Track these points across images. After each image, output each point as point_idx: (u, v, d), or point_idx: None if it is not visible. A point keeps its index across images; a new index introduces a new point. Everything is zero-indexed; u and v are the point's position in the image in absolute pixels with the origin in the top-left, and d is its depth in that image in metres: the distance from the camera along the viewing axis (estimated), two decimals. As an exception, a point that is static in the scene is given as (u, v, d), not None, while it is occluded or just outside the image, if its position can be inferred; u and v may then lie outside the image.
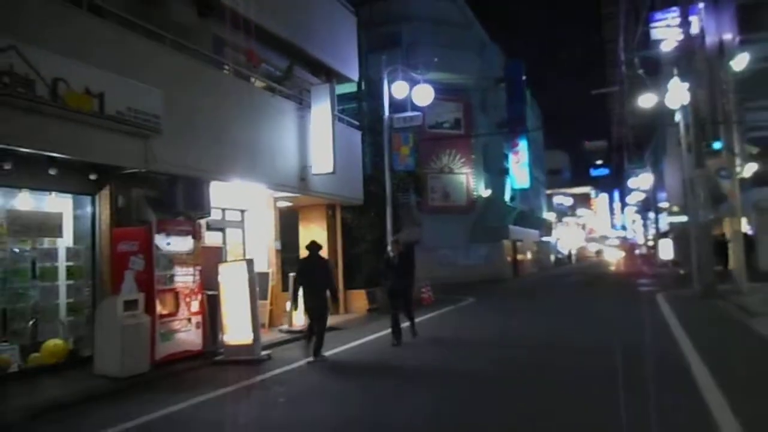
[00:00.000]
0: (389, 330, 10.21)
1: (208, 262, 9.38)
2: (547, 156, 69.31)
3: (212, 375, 8.18)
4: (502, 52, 37.24)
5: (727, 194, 15.88)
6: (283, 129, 12.09)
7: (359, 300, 15.85)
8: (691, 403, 5.41)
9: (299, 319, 11.64)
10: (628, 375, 6.59)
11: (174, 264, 8.86)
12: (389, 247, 10.40)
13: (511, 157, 35.83)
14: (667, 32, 19.39)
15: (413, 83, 16.92)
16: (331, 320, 11.16)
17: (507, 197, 35.51)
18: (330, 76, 14.88)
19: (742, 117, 16.63)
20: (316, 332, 8.91)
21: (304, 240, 15.91)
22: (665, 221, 41.58)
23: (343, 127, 15.05)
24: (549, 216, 54.51)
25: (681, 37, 17.02)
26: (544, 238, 53.29)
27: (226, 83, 10.85)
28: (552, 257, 47.85)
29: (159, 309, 8.50)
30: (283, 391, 6.87)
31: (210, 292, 9.34)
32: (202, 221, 10.26)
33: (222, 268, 9.27)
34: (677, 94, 17.14)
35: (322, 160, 12.83)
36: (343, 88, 23.70)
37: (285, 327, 11.74)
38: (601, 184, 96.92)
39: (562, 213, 62.79)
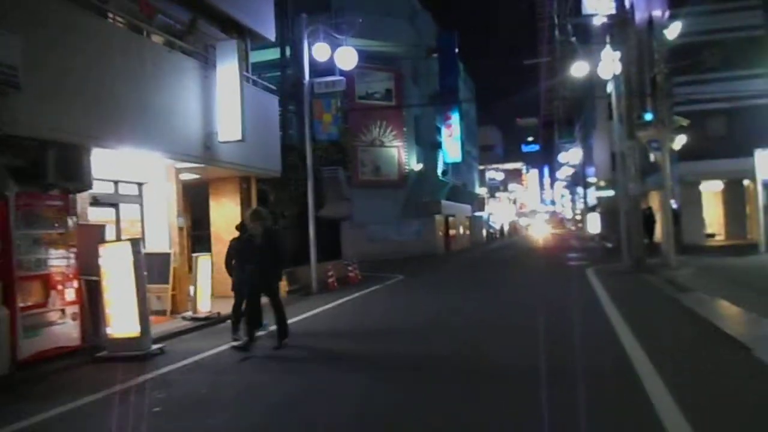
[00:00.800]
0: (307, 314, 9.16)
1: (86, 242, 7.98)
2: (481, 132, 69.58)
3: (85, 375, 6.90)
4: (434, 22, 36.30)
5: (659, 166, 15.62)
6: (184, 90, 10.65)
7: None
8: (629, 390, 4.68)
9: (204, 305, 10.42)
10: (563, 362, 5.85)
11: (42, 245, 7.45)
12: (250, 225, 8.06)
13: (444, 130, 35.17)
14: (598, 5, 18.94)
15: (338, 47, 15.71)
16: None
17: (439, 171, 34.92)
18: (242, 34, 13.43)
19: (670, 90, 16.37)
20: (276, 319, 8.03)
21: (215, 216, 14.62)
22: (593, 196, 42.35)
23: (257, 92, 13.72)
24: (481, 191, 54.65)
25: (612, 11, 16.57)
26: (477, 213, 53.48)
27: (111, 34, 9.30)
28: (484, 232, 47.95)
29: (22, 299, 7.10)
30: (163, 398, 5.71)
31: (89, 278, 7.98)
32: (83, 195, 8.79)
33: (103, 250, 7.90)
34: (609, 63, 16.71)
35: (229, 127, 11.44)
36: (266, 54, 22.17)
37: (189, 314, 10.48)
38: (532, 160, 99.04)
39: (494, 188, 63.24)
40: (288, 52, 21.87)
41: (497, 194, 65.69)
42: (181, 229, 11.50)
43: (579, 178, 47.00)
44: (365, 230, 29.50)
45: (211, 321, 10.19)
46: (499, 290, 13.49)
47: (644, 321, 8.56)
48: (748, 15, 23.58)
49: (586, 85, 40.55)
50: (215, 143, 11.21)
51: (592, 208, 43.82)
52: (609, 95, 17.77)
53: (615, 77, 16.59)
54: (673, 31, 15.22)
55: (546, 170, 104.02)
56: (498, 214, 65.74)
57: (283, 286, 14.54)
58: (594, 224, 43.00)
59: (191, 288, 10.49)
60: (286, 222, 15.27)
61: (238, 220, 9.74)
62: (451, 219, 36.77)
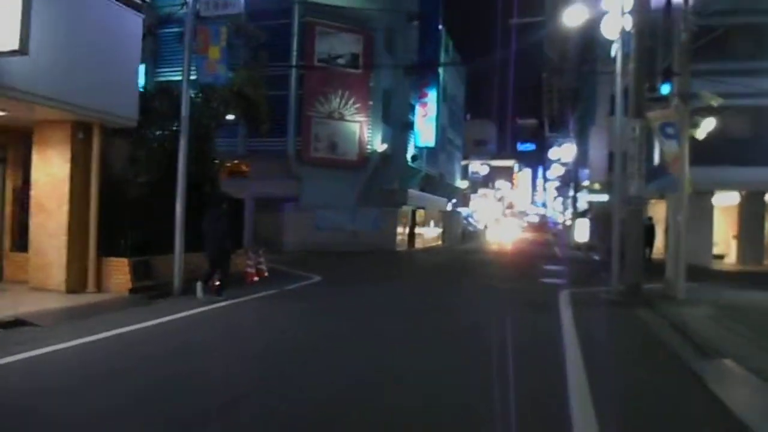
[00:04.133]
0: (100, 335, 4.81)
1: None
2: (475, 126, 65.20)
3: None
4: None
5: (668, 161, 11.21)
6: None
7: (119, 273, 10.19)
8: None
9: None
10: None
11: None
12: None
13: (418, 108, 30.50)
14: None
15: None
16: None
17: (409, 156, 30.38)
18: None
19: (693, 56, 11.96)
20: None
21: (39, 176, 10.20)
22: (585, 200, 38.00)
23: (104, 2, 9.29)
24: (462, 184, 50.16)
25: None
26: (460, 209, 49.04)
27: None
28: (460, 230, 43.54)
29: None
30: None
31: None
32: None
33: None
34: (616, 16, 12.28)
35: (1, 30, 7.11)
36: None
37: None
38: (526, 159, 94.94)
39: (476, 182, 58.83)
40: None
41: (482, 190, 61.32)
42: None
43: (571, 179, 42.62)
44: (312, 215, 25.03)
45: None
46: (422, 320, 9.02)
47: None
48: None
49: (586, 72, 36.11)
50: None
51: (582, 214, 39.43)
52: (612, 63, 13.30)
53: (623, 35, 12.11)
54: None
55: (540, 171, 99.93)
56: (482, 211, 61.35)
57: (126, 281, 10.16)
58: (582, 232, 38.63)
59: None
60: (143, 191, 10.67)
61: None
62: (420, 212, 32.30)
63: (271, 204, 24.50)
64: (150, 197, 10.78)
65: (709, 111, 11.32)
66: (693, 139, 11.32)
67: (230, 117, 14.41)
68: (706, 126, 11.09)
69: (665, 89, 11.29)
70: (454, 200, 45.87)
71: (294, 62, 24.47)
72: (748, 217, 22.28)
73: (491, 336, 7.49)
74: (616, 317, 9.78)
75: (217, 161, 12.99)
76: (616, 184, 11.98)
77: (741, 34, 21.18)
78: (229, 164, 27.43)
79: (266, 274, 13.68)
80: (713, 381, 5.73)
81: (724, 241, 23.22)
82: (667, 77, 11.59)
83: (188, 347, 6.90)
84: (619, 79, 11.78)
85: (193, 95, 11.28)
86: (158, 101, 10.77)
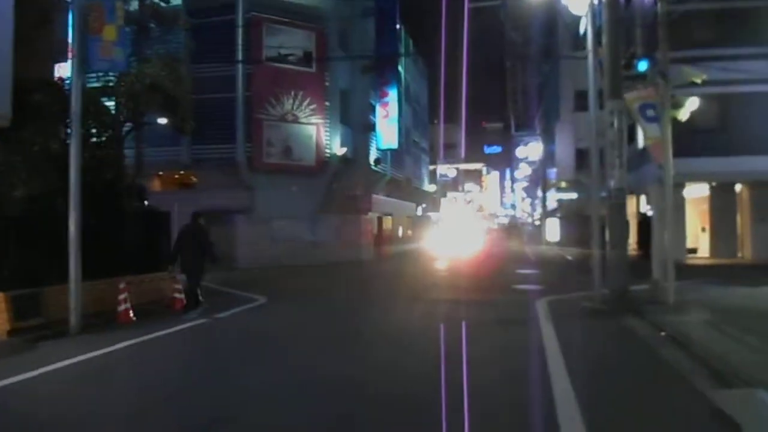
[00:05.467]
0: None
1: None
2: (445, 129, 64.10)
3: None
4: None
5: (648, 146, 9.84)
6: None
7: (-5, 310, 8.25)
8: None
9: None
10: None
11: None
12: None
13: (379, 109, 28.94)
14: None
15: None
16: None
17: (371, 159, 28.79)
18: None
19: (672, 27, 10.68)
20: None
21: None
22: (554, 198, 36.99)
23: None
24: (430, 188, 48.78)
25: None
26: (430, 214, 47.62)
27: None
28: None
29: None
30: None
31: None
32: None
33: None
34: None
35: None
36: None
37: None
38: (494, 162, 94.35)
39: (446, 185, 57.55)
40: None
41: (452, 194, 60.08)
42: None
43: (539, 178, 41.62)
44: (268, 227, 23.19)
45: None
46: (379, 354, 7.37)
47: None
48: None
49: (548, 71, 35.08)
50: None
51: (552, 213, 38.42)
52: (581, 45, 11.94)
53: (592, 7, 10.72)
54: None
55: (507, 173, 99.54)
56: (452, 215, 60.04)
57: (2, 321, 8.24)
58: (553, 231, 37.61)
59: None
60: (21, 207, 8.72)
61: None
62: (387, 218, 30.73)
63: (222, 217, 22.62)
64: (37, 215, 8.86)
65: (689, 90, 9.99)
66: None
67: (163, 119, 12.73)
68: (690, 106, 9.74)
69: (643, 66, 9.95)
70: (423, 205, 44.46)
71: (240, 62, 22.72)
72: (719, 209, 21.32)
73: (456, 377, 5.84)
74: (606, 332, 8.27)
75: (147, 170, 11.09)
76: (594, 174, 10.54)
77: (706, 20, 20.23)
78: (177, 176, 25.65)
79: (201, 298, 11.83)
80: (749, 426, 4.22)
81: (694, 234, 22.26)
82: (647, 54, 10.23)
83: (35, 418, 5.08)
84: (590, 56, 10.37)
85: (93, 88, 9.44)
86: (40, 95, 8.87)
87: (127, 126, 11.84)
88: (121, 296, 9.69)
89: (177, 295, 11.11)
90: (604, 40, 9.86)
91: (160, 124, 13.02)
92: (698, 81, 9.69)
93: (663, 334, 7.61)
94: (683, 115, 9.92)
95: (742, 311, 9.00)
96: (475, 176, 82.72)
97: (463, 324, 8.68)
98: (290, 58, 23.60)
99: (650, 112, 9.89)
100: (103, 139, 10.76)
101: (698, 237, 22.44)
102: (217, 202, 22.39)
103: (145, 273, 11.06)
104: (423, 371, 5.99)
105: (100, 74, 11.11)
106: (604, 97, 10.11)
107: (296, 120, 24.12)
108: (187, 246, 10.25)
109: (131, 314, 9.72)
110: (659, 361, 6.46)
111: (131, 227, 10.94)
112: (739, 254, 20.94)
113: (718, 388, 5.22)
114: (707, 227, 21.83)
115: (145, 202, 13.95)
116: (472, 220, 64.95)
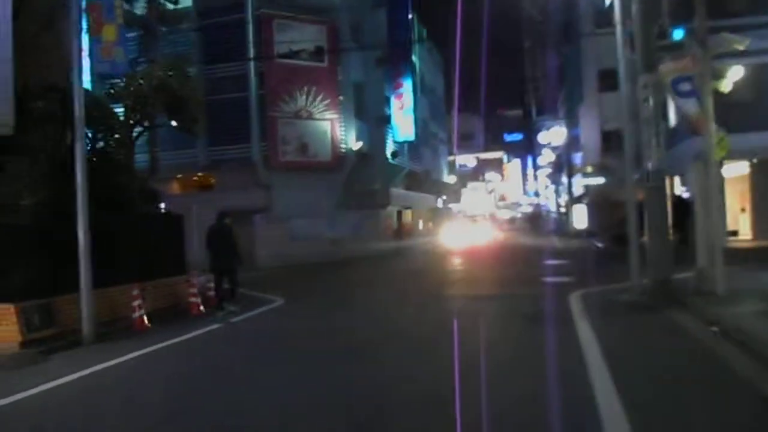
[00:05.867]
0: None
1: None
2: (461, 119, 63.15)
3: None
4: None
5: (692, 123, 9.04)
6: None
7: (4, 323, 7.89)
8: None
9: None
10: None
11: None
12: None
13: (393, 101, 28.22)
14: None
15: None
16: None
17: (388, 153, 28.10)
18: None
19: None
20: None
21: None
22: (580, 184, 35.88)
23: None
24: (450, 179, 47.91)
25: None
26: (450, 205, 46.85)
27: None
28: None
29: None
30: None
31: None
32: None
33: None
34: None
35: None
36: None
37: None
38: (515, 150, 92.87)
39: (465, 175, 56.66)
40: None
41: (471, 183, 59.14)
42: None
43: (563, 164, 40.53)
44: (287, 226, 22.75)
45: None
46: (389, 368, 6.77)
47: None
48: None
49: (569, 52, 33.89)
50: None
51: (578, 199, 37.33)
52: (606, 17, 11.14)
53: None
54: None
55: (529, 160, 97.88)
56: (474, 205, 59.11)
57: (14, 332, 7.89)
58: (580, 218, 36.58)
59: None
60: (27, 217, 8.32)
61: None
62: (407, 212, 30.08)
63: (240, 217, 22.20)
64: (46, 223, 8.49)
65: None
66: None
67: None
68: (733, 76, 8.92)
69: (678, 34, 9.16)
70: (444, 197, 43.69)
71: (252, 59, 22.24)
72: (761, 187, 20.21)
73: (488, 386, 5.22)
74: (650, 328, 7.55)
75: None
76: (627, 156, 9.77)
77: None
78: (195, 178, 25.35)
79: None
80: None
81: (733, 215, 21.17)
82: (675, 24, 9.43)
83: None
84: (618, 28, 9.59)
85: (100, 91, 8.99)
86: (44, 101, 8.47)
87: (137, 129, 11.48)
88: (135, 303, 9.30)
89: (193, 299, 10.76)
90: (635, 7, 9.08)
91: (176, 128, 12.59)
92: (741, 47, 8.87)
93: (715, 329, 6.88)
94: (726, 86, 9.12)
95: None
96: (496, 165, 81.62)
97: (489, 324, 8.03)
98: (302, 54, 23.01)
99: (684, 86, 9.08)
100: (111, 143, 10.34)
101: (738, 218, 21.37)
102: (235, 203, 21.94)
103: (160, 278, 10.64)
104: (442, 383, 5.36)
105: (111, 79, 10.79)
106: (635, 72, 9.34)
107: (310, 116, 23.59)
108: (220, 246, 10.46)
109: (146, 321, 9.33)
110: (717, 363, 5.73)
111: (144, 232, 10.56)
112: (787, 237, 19.82)
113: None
114: (747, 207, 20.72)
115: (162, 206, 13.58)
116: (494, 209, 64.08)
